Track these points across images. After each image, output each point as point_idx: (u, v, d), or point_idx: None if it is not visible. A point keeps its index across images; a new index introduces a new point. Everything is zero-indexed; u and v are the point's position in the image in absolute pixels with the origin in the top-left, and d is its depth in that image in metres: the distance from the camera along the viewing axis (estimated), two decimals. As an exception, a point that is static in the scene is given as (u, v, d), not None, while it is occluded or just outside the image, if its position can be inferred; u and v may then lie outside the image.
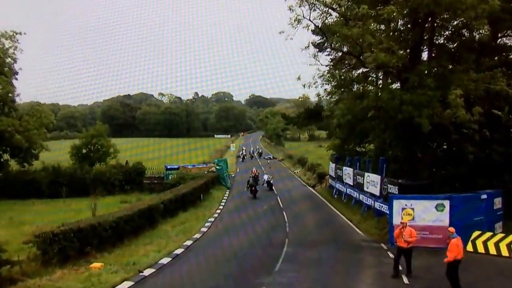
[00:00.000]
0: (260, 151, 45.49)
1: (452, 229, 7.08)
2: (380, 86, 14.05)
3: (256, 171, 20.67)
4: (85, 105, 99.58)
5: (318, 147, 50.76)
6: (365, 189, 14.42)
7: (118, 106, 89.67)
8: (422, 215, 10.02)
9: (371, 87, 14.47)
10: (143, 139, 73.17)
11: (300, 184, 24.44)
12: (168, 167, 24.15)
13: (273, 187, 20.61)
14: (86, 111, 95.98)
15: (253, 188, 18.60)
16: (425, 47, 12.98)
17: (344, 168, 17.55)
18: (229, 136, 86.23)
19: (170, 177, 22.25)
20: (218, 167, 24.33)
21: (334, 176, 19.47)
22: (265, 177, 22.07)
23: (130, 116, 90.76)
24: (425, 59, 12.96)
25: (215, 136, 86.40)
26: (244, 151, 43.66)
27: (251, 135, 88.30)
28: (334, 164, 19.57)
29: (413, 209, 10.17)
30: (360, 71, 15.13)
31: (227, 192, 21.38)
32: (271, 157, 41.31)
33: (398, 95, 11.40)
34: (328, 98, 16.70)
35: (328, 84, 14.80)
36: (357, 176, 15.47)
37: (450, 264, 6.74)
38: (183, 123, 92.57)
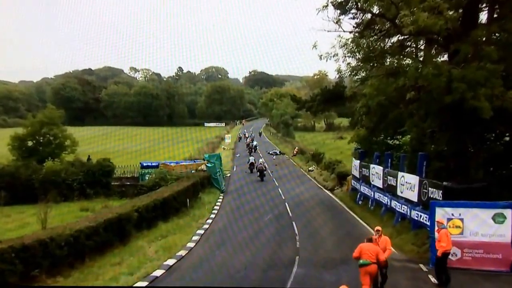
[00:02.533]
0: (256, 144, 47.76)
1: (442, 220, 9.37)
2: (422, 59, 13.78)
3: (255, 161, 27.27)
4: (30, 82, 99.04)
5: (338, 139, 51.12)
6: (398, 193, 14.35)
7: (76, 84, 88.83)
8: (475, 228, 9.92)
9: (409, 61, 14.21)
10: (110, 128, 73.21)
11: (314, 187, 24.54)
12: (144, 164, 24.23)
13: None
14: (31, 90, 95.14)
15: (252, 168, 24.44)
16: (484, 4, 12.63)
17: (371, 166, 17.47)
18: (223, 124, 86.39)
19: (146, 178, 22.36)
20: (209, 165, 24.37)
21: (358, 177, 19.45)
22: (260, 160, 27.88)
23: (92, 98, 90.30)
24: (483, 21, 12.63)
25: (206, 124, 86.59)
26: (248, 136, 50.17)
27: (252, 124, 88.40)
28: (358, 161, 19.52)
29: (462, 220, 10.06)
30: (394, 39, 14.85)
31: (221, 197, 21.49)
32: (277, 152, 41.50)
33: (446, 71, 11.15)
34: (352, 75, 16.46)
35: (352, 57, 14.56)
36: (388, 177, 15.40)
37: (440, 256, 8.41)
38: (163, 107, 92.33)
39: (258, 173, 26.38)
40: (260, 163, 27.08)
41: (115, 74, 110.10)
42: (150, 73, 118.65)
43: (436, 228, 9.28)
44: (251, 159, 29.75)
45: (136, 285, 9.37)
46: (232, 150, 45.24)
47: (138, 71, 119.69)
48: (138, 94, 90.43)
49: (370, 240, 8.26)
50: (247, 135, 55.77)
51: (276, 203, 19.38)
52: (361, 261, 7.80)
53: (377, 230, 8.62)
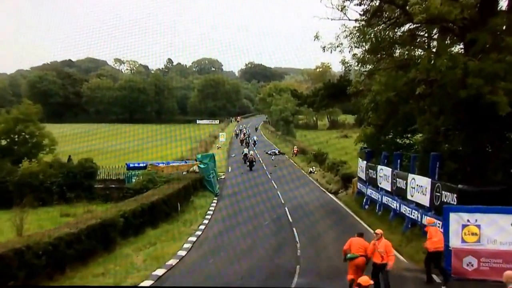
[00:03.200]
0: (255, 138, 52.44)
1: (431, 219, 10.58)
2: (435, 49, 13.77)
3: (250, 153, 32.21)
4: (3, 74, 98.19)
5: (343, 138, 51.33)
6: (408, 197, 14.36)
7: (54, 77, 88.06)
8: (493, 235, 9.89)
9: (420, 52, 14.21)
10: (93, 125, 72.99)
11: (316, 190, 24.57)
12: (131, 165, 24.27)
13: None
14: (4, 83, 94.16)
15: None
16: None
17: (379, 167, 17.48)
18: (217, 121, 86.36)
19: (133, 180, 22.38)
20: (202, 166, 24.38)
21: (364, 179, 19.47)
22: (251, 152, 32.76)
23: (72, 92, 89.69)
24: (503, 8, 12.63)
25: (198, 121, 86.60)
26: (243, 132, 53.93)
27: (249, 121, 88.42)
28: (365, 162, 19.53)
29: (478, 226, 10.04)
30: (405, 28, 14.84)
31: (215, 200, 21.52)
32: (277, 152, 41.57)
33: (461, 63, 11.14)
34: (358, 67, 16.47)
35: (359, 47, 14.55)
36: (398, 179, 15.41)
37: (429, 254, 9.50)
38: (151, 102, 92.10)
39: (248, 162, 31.83)
40: (251, 154, 32.88)
41: (98, 66, 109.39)
42: (137, 65, 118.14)
43: (426, 227, 10.31)
44: (245, 150, 34.89)
45: (140, 284, 9.76)
46: (227, 150, 45.17)
47: (124, 63, 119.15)
48: (124, 88, 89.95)
49: (361, 235, 9.43)
50: (244, 131, 58.95)
51: (275, 207, 19.39)
52: (349, 255, 8.81)
53: (377, 233, 8.93)
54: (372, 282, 6.61)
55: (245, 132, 55.69)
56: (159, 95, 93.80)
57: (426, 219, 11.15)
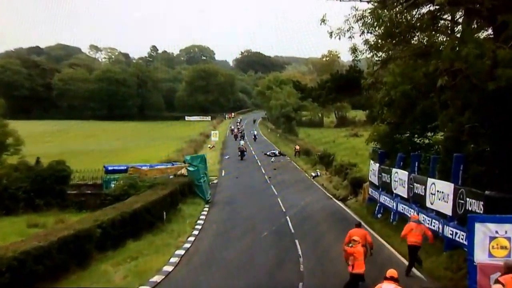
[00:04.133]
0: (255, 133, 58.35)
1: (415, 216, 13.08)
2: (459, 35, 13.77)
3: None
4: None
5: (353, 136, 51.53)
6: (428, 204, 14.37)
7: (19, 67, 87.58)
8: (525, 248, 9.92)
9: (443, 38, 14.20)
10: (65, 122, 72.96)
11: (322, 196, 24.65)
12: (110, 168, 24.27)
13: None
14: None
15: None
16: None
17: (394, 170, 17.50)
18: (208, 118, 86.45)
19: (112, 185, 22.37)
20: (191, 169, 24.40)
21: (377, 184, 19.51)
22: (241, 142, 41.10)
23: (41, 84, 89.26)
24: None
25: (187, 118, 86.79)
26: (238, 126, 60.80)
27: (245, 117, 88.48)
28: (377, 165, 19.56)
29: (509, 239, 9.98)
30: (425, 10, 14.84)
31: (206, 208, 21.57)
32: (277, 153, 41.79)
33: (490, 51, 11.15)
34: (370, 55, 16.47)
35: (371, 33, 14.52)
36: (415, 184, 15.42)
37: (408, 247, 12.03)
38: (133, 96, 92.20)
39: (239, 152, 38.92)
40: (242, 145, 40.84)
41: (71, 53, 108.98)
42: (116, 53, 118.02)
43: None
44: (241, 143, 42.00)
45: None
46: (220, 151, 45.22)
47: (101, 51, 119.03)
48: (101, 80, 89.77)
49: (358, 225, 12.50)
50: (239, 126, 63.93)
51: (275, 216, 19.42)
52: (350, 244, 10.58)
53: (354, 240, 9.70)
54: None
55: (240, 127, 61.87)
56: (142, 87, 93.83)
57: (412, 216, 13.83)
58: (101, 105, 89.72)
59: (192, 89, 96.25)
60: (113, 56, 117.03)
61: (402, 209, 16.54)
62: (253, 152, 44.19)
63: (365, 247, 10.99)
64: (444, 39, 14.06)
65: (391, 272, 7.59)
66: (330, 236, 16.30)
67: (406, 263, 12.70)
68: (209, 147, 45.90)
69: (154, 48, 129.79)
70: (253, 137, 56.82)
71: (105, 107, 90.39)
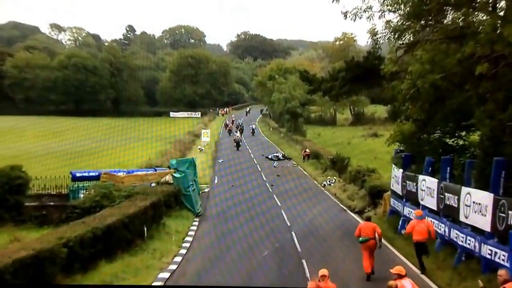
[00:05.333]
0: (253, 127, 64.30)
1: (419, 211, 15.01)
2: (502, 13, 13.86)
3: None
4: None
5: (371, 137, 51.65)
6: (462, 218, 14.45)
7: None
8: None
9: (482, 16, 14.29)
10: (21, 118, 72.73)
11: (334, 208, 24.73)
12: (78, 175, 24.25)
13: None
14: None
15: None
16: None
17: (420, 177, 17.60)
18: (198, 114, 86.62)
19: (81, 195, 22.39)
20: (178, 175, 24.50)
21: (400, 193, 19.59)
22: (237, 134, 50.19)
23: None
24: None
25: (172, 114, 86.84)
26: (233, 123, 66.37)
27: (242, 114, 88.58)
28: (401, 171, 19.67)
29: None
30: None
31: (196, 223, 21.64)
32: (280, 156, 41.94)
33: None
34: (393, 39, 16.59)
35: (395, 12, 14.66)
36: (447, 194, 15.52)
37: (413, 244, 14.21)
38: (105, 87, 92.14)
39: (235, 143, 47.44)
40: (237, 135, 50.41)
41: (27, 34, 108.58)
42: (84, 34, 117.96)
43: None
44: (237, 134, 51.29)
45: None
46: (212, 153, 45.28)
47: (64, 31, 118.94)
48: (65, 67, 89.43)
49: (368, 219, 15.05)
50: (234, 119, 69.13)
51: (277, 231, 19.50)
52: (361, 238, 13.72)
53: (322, 276, 9.66)
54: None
55: (237, 123, 67.26)
56: (117, 77, 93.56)
57: (415, 211, 15.49)
58: (66, 98, 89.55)
59: (178, 79, 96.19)
60: (80, 38, 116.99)
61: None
62: (251, 155, 44.29)
63: (375, 239, 13.75)
64: (483, 18, 14.13)
65: (400, 269, 9.41)
66: (344, 255, 16.42)
67: (435, 286, 12.92)
68: (199, 149, 45.95)
69: (130, 29, 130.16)
70: (251, 131, 60.89)
71: (71, 100, 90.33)
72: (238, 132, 56.91)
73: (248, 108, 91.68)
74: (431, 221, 16.69)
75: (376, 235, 13.79)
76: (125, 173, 25.22)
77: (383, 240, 18.39)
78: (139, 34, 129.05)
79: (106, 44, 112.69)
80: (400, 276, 9.48)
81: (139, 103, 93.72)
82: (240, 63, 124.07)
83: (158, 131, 59.47)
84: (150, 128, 61.82)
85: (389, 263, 15.79)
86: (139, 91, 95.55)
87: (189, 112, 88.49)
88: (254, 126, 65.66)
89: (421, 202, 17.47)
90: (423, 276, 14.27)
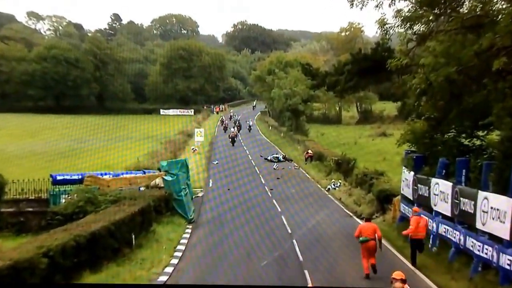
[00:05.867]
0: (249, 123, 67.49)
1: (416, 208, 16.64)
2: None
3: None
4: None
5: (380, 136, 51.73)
6: (478, 225, 14.49)
7: None
8: None
9: (501, 4, 14.31)
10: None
11: (339, 214, 24.89)
12: (58, 178, 24.20)
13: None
14: None
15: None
16: None
17: (433, 181, 17.65)
18: (191, 112, 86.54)
19: (62, 200, 22.37)
20: (169, 179, 24.54)
21: (411, 198, 19.67)
22: (232, 129, 55.62)
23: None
24: None
25: (162, 112, 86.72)
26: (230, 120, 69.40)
27: (239, 110, 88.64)
28: (412, 174, 19.74)
29: None
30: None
31: (188, 230, 21.67)
32: (280, 158, 42.11)
33: None
34: (403, 30, 16.60)
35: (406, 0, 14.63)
36: (462, 199, 15.56)
37: (410, 240, 15.80)
38: (89, 82, 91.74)
39: (230, 139, 51.38)
40: (232, 131, 54.27)
41: (2, 23, 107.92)
42: (65, 23, 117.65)
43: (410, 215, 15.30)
44: (232, 130, 55.71)
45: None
46: (206, 154, 45.30)
47: (44, 19, 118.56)
48: (44, 59, 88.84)
49: (368, 220, 16.59)
50: (232, 115, 71.89)
51: (277, 239, 19.56)
52: (361, 238, 14.79)
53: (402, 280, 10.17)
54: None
55: (235, 119, 70.62)
56: (101, 70, 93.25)
57: (414, 208, 17.02)
58: (45, 93, 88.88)
59: (169, 73, 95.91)
60: (60, 27, 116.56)
61: (444, 232, 16.65)
62: (249, 156, 44.32)
63: (375, 240, 14.75)
64: (503, 6, 14.13)
65: (400, 274, 9.96)
66: (349, 265, 16.45)
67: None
68: (193, 150, 45.95)
69: (116, 18, 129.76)
70: (247, 127, 63.85)
71: (51, 96, 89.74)
72: (235, 128, 59.02)
73: (254, 103, 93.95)
74: (445, 228, 16.86)
75: (377, 237, 14.79)
76: (111, 176, 25.21)
77: (391, 248, 18.68)
78: (125, 24, 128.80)
79: (89, 34, 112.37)
80: (403, 281, 9.93)
81: (126, 99, 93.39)
82: (237, 56, 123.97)
83: (147, 130, 59.47)
84: (139, 127, 61.80)
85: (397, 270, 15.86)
86: (126, 86, 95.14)
87: (181, 110, 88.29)
88: (251, 123, 68.04)
89: (434, 208, 17.57)
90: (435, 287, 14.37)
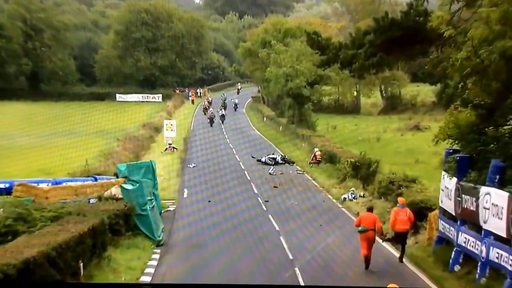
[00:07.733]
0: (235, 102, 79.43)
1: (401, 199, 20.85)
2: None
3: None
4: None
5: (412, 130, 51.89)
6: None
7: None
8: None
9: None
10: None
11: (356, 233, 24.78)
12: (-21, 187, 24.14)
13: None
14: None
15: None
16: None
17: (483, 190, 17.70)
18: (158, 97, 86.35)
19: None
20: (129, 187, 24.67)
21: (453, 213, 19.82)
22: (211, 109, 68.54)
23: None
24: None
25: (119, 97, 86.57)
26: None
27: (227, 94, 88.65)
28: (455, 180, 19.86)
29: None
30: None
31: (156, 256, 21.85)
32: (278, 160, 42.64)
33: None
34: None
35: None
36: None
37: (395, 233, 20.01)
38: (16, 57, 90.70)
39: (209, 120, 62.45)
40: (211, 111, 65.62)
41: None
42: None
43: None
44: (210, 109, 67.35)
45: None
46: (180, 154, 45.55)
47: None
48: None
49: (370, 209, 20.43)
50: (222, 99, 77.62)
51: (274, 268, 19.74)
52: (360, 228, 19.08)
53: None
54: None
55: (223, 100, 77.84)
56: (34, 40, 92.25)
57: (399, 199, 21.07)
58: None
59: (127, 44, 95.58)
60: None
61: (497, 258, 16.61)
62: (236, 157, 44.49)
63: (374, 231, 18.88)
64: None
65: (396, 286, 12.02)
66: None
67: None
68: (165, 149, 46.04)
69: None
70: (233, 105, 75.56)
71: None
72: (222, 109, 69.04)
73: (239, 85, 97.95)
74: (498, 253, 16.96)
75: (376, 228, 19.13)
76: (50, 184, 25.28)
77: (425, 278, 18.88)
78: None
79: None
80: None
81: (69, 81, 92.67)
82: (220, 22, 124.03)
83: (98, 122, 59.25)
84: (87, 118, 61.56)
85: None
86: (68, 62, 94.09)
87: (145, 95, 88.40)
88: (236, 101, 79.66)
89: (484, 226, 17.46)
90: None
